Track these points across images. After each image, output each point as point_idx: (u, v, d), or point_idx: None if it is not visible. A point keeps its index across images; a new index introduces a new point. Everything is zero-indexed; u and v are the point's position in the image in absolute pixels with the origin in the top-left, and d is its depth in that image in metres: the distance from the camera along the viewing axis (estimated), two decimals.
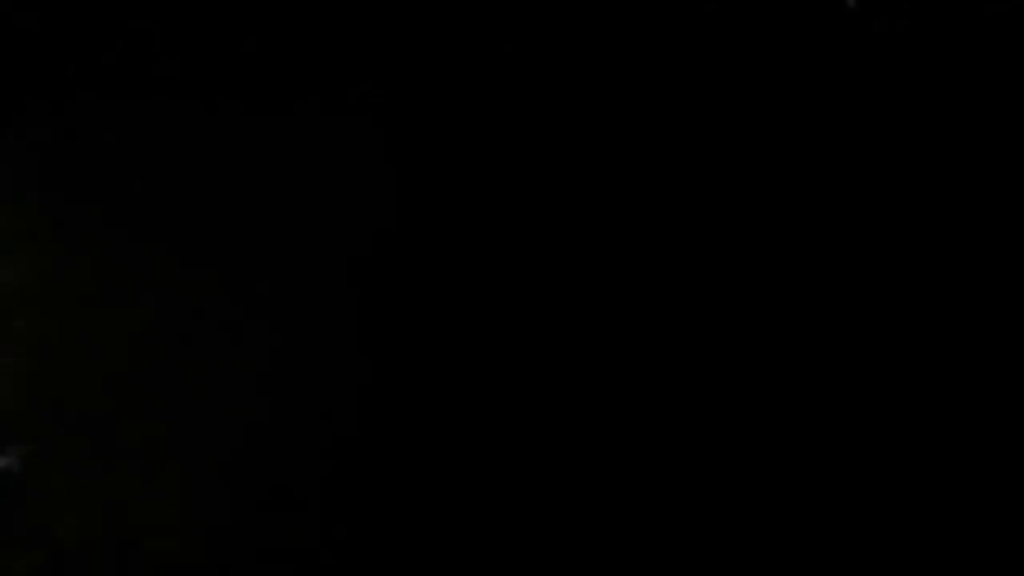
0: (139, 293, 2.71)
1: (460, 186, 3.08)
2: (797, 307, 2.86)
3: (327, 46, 3.34)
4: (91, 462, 2.31)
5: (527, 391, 2.64)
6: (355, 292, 2.82)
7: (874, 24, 3.05)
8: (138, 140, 3.08)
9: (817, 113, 3.25)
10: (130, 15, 3.34)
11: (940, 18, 3.20)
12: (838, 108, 3.25)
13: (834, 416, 2.64)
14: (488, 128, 3.19)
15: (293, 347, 2.64)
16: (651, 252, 2.96)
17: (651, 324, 2.80)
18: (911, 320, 2.83)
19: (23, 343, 2.52)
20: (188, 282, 2.75)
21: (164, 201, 2.95)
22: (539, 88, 3.27)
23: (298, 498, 2.32)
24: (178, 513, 2.24)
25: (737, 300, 2.86)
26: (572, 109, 3.25)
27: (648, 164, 3.15)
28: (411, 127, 3.20)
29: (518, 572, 2.27)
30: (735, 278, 2.91)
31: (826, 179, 3.14)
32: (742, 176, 3.14)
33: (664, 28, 3.30)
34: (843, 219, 3.06)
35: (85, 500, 2.23)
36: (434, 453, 2.48)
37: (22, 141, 3.01)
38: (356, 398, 2.58)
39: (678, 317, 2.82)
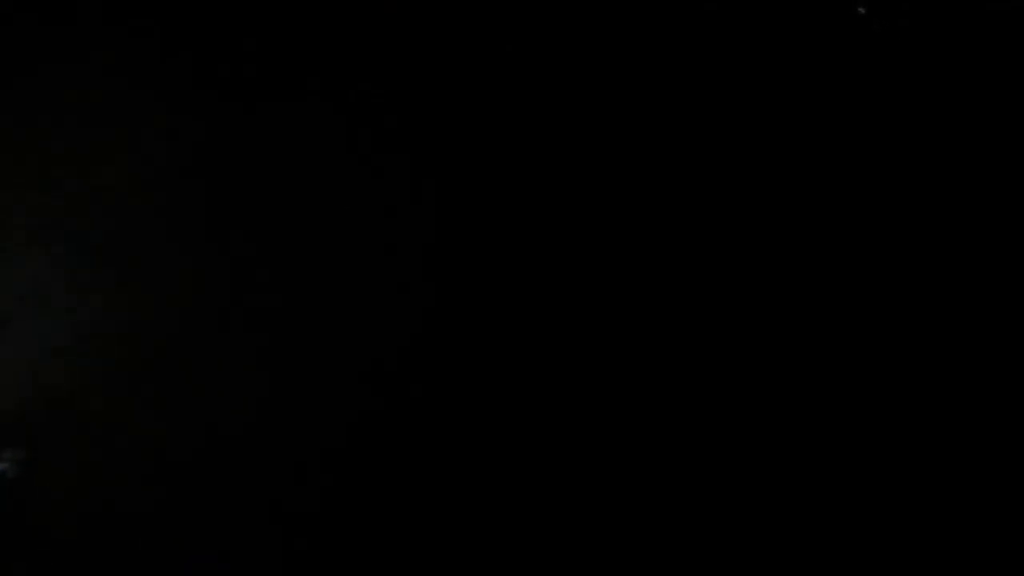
0: (139, 294, 2.71)
1: (462, 186, 3.08)
2: (801, 307, 2.86)
3: (327, 46, 3.33)
4: (91, 464, 2.31)
5: (535, 395, 2.64)
6: (356, 290, 2.82)
7: (875, 24, 3.05)
8: (138, 139, 3.08)
9: (824, 117, 3.24)
10: (129, 14, 3.33)
11: (940, 18, 3.20)
12: (845, 111, 3.25)
13: (834, 416, 2.64)
14: (488, 127, 3.19)
15: (294, 348, 2.65)
16: (652, 253, 2.96)
17: (652, 325, 2.80)
18: (912, 320, 2.84)
19: (22, 345, 2.52)
20: (187, 283, 2.75)
21: (165, 201, 2.95)
22: (538, 88, 3.27)
23: (297, 500, 2.33)
24: (177, 515, 2.24)
25: (741, 301, 2.87)
26: (573, 108, 3.25)
27: (652, 165, 3.15)
28: (412, 126, 3.20)
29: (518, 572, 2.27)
30: (738, 280, 2.91)
31: (831, 181, 3.14)
32: (747, 178, 3.14)
33: (672, 28, 3.30)
34: (847, 220, 3.06)
35: (85, 501, 2.23)
36: (435, 456, 2.48)
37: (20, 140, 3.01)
38: (357, 400, 2.58)
39: (679, 318, 2.82)
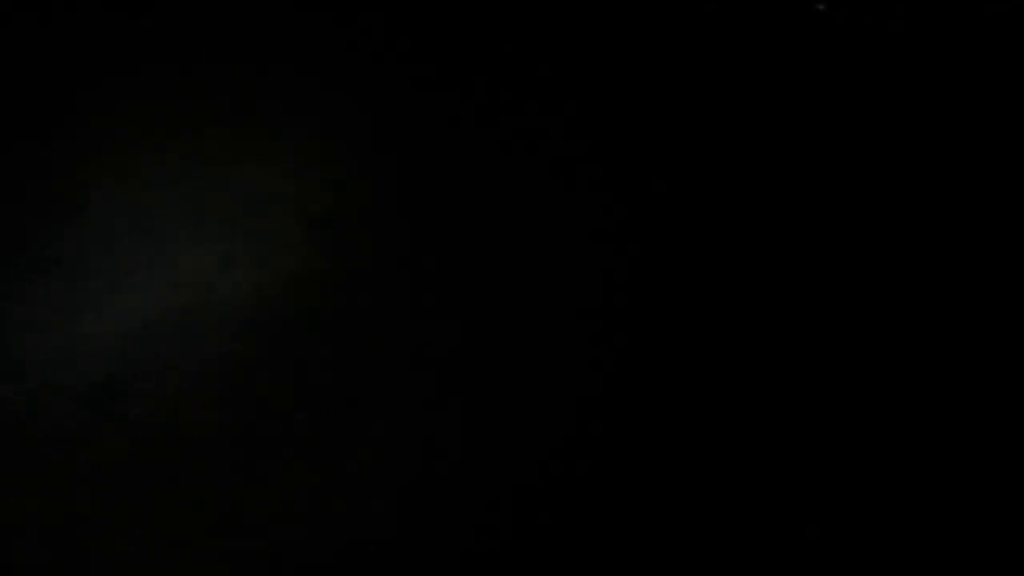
0: (128, 296, 2.73)
1: (463, 186, 3.09)
2: (788, 310, 2.85)
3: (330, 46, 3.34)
4: (48, 483, 2.27)
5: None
6: (355, 290, 2.83)
7: (865, 24, 3.03)
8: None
9: (805, 115, 3.23)
10: (135, 15, 3.36)
11: (939, 18, 3.18)
12: (829, 110, 3.23)
13: (838, 416, 2.63)
14: (487, 127, 3.19)
15: (283, 355, 2.65)
16: (637, 252, 2.96)
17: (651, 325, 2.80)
18: (907, 322, 2.82)
19: None
20: (175, 286, 2.77)
21: (165, 201, 2.97)
22: (538, 87, 3.27)
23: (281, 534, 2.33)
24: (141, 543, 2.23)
25: (725, 302, 2.86)
26: (572, 107, 3.25)
27: (637, 164, 3.14)
28: (414, 125, 3.21)
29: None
30: (716, 280, 2.90)
31: (817, 180, 3.13)
32: (728, 175, 3.13)
33: (644, 27, 3.29)
34: (834, 220, 3.05)
35: (44, 523, 2.18)
36: (443, 460, 2.49)
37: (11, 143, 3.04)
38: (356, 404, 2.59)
39: (673, 319, 2.82)
